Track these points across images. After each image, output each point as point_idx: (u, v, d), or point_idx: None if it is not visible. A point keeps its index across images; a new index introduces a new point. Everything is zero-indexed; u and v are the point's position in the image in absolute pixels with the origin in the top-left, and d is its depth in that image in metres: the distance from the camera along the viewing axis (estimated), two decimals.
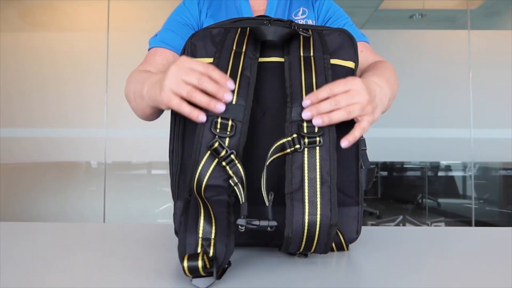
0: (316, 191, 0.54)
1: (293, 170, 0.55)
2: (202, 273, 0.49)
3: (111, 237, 0.78)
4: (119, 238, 0.76)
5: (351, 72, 0.66)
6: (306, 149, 0.56)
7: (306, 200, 0.54)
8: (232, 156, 0.54)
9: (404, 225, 3.41)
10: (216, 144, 0.54)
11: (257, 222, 0.52)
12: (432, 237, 0.79)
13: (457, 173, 3.65)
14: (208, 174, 0.53)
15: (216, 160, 0.54)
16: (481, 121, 2.89)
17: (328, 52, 0.64)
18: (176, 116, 0.65)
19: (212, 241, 0.52)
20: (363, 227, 0.67)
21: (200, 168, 0.54)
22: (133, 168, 3.02)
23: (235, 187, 0.53)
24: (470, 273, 0.58)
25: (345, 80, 0.61)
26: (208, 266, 0.49)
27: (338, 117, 0.58)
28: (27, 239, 0.74)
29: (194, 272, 0.49)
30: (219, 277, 0.51)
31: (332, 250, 0.65)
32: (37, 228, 0.84)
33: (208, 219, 0.53)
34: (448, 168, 3.66)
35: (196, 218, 0.53)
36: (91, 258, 0.63)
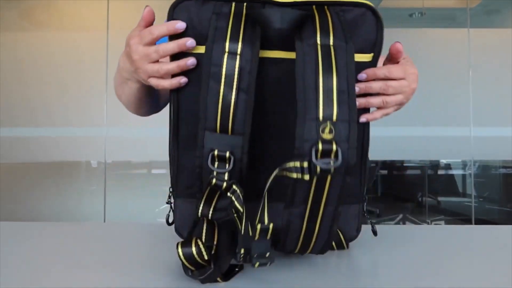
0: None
1: (296, 189, 0.48)
2: (198, 260, 0.49)
3: (111, 236, 0.78)
4: (120, 238, 0.76)
5: (366, 67, 0.57)
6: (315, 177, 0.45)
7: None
8: (234, 186, 0.49)
9: (404, 223, 3.42)
10: (214, 181, 0.49)
11: (255, 262, 0.47)
12: (432, 236, 0.79)
13: (457, 171, 3.65)
14: (212, 207, 0.49)
15: (219, 192, 0.49)
16: (481, 119, 2.89)
17: (351, 40, 0.51)
18: (173, 116, 0.64)
19: (214, 247, 0.51)
20: (363, 226, 0.67)
21: (202, 202, 0.50)
22: (133, 168, 3.01)
23: (236, 218, 0.50)
24: (470, 272, 0.58)
25: (403, 66, 0.58)
26: (205, 255, 0.49)
27: (375, 102, 0.58)
28: (27, 239, 0.74)
29: (190, 261, 0.49)
30: (226, 278, 0.51)
31: (332, 248, 0.65)
32: (37, 228, 0.84)
33: (211, 229, 0.52)
34: (448, 166, 3.66)
35: (201, 228, 0.53)
36: (91, 257, 0.63)
